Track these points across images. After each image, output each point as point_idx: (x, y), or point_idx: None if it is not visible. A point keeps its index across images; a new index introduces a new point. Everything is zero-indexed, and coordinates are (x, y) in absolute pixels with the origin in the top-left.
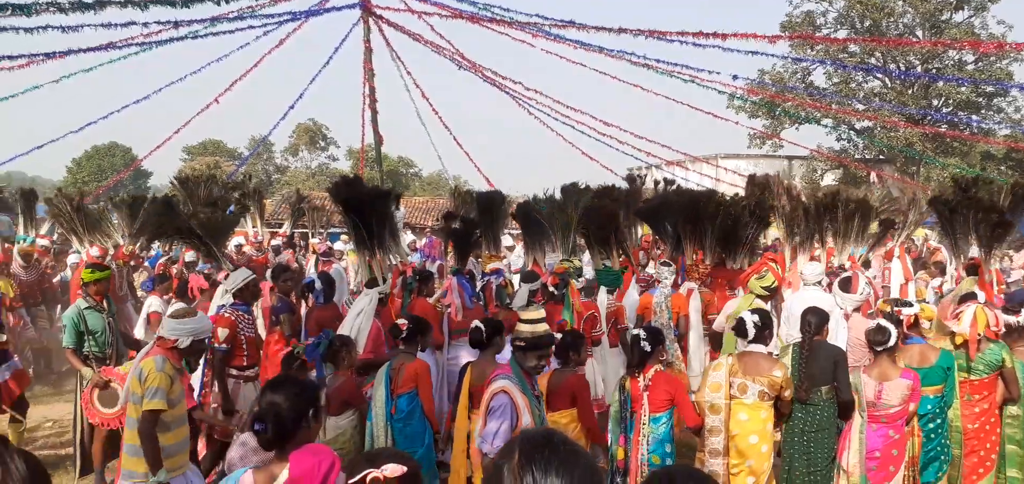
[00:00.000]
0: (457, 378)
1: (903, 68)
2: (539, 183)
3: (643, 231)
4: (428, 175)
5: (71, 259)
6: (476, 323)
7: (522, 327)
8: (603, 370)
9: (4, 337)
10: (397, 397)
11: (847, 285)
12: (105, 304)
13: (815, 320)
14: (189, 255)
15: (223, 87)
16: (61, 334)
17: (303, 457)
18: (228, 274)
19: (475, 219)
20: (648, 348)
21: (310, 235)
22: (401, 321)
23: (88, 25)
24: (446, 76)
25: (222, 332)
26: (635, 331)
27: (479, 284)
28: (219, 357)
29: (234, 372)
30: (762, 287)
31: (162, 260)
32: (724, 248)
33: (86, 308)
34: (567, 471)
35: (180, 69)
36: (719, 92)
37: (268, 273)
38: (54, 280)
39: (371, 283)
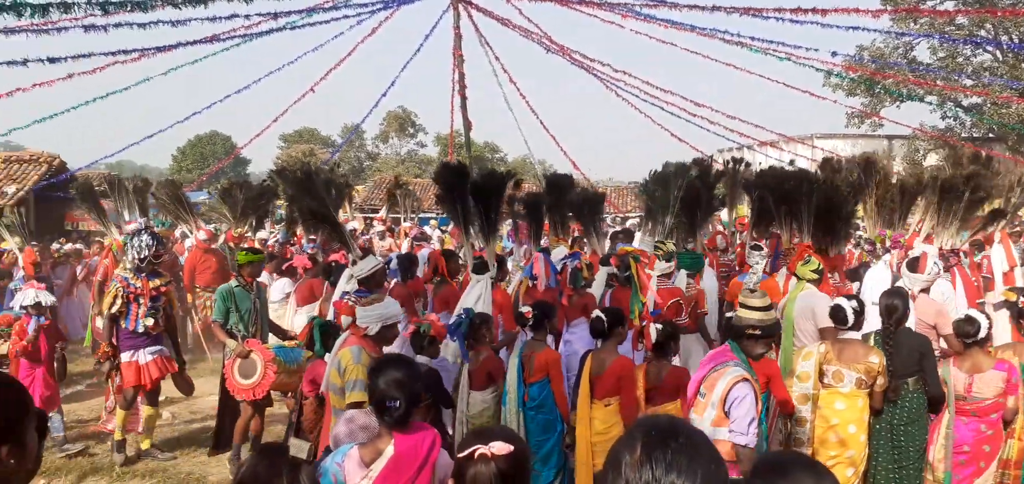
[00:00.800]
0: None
1: (1017, 40)
2: (627, 166)
3: (738, 213)
4: (513, 160)
5: (188, 242)
6: (597, 313)
7: (751, 314)
8: (685, 356)
9: (151, 321)
10: (529, 385)
11: (915, 265)
12: (254, 286)
13: (901, 304)
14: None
15: (317, 76)
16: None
17: (407, 434)
18: (338, 257)
19: (542, 196)
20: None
21: (402, 219)
22: (526, 308)
23: (195, 19)
24: (533, 60)
25: (346, 320)
26: (729, 314)
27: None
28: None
29: None
30: (810, 271)
31: (271, 242)
32: (824, 232)
33: (236, 287)
34: (691, 471)
35: (275, 59)
36: (817, 69)
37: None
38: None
39: (480, 268)
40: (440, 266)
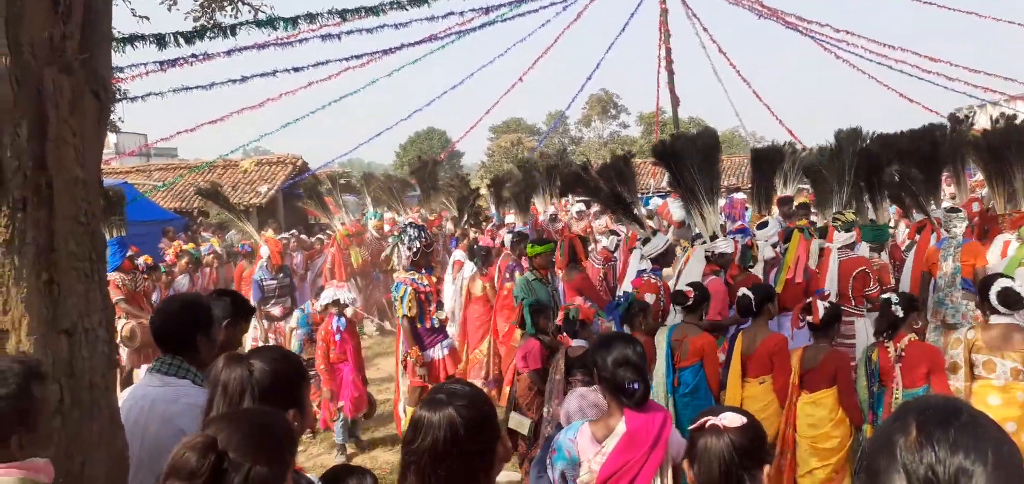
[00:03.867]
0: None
1: None
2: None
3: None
4: (722, 133)
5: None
6: (743, 291)
7: None
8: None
9: (445, 315)
10: (680, 370)
11: None
12: (549, 277)
13: None
14: (508, 217)
15: (522, 68)
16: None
17: (639, 412)
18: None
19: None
20: (900, 313)
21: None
22: (687, 288)
23: (416, 20)
24: (744, 27)
25: (649, 297)
26: (886, 295)
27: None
28: None
29: None
30: None
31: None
32: None
33: (533, 280)
34: (979, 451)
35: (485, 54)
36: None
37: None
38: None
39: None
40: (577, 249)
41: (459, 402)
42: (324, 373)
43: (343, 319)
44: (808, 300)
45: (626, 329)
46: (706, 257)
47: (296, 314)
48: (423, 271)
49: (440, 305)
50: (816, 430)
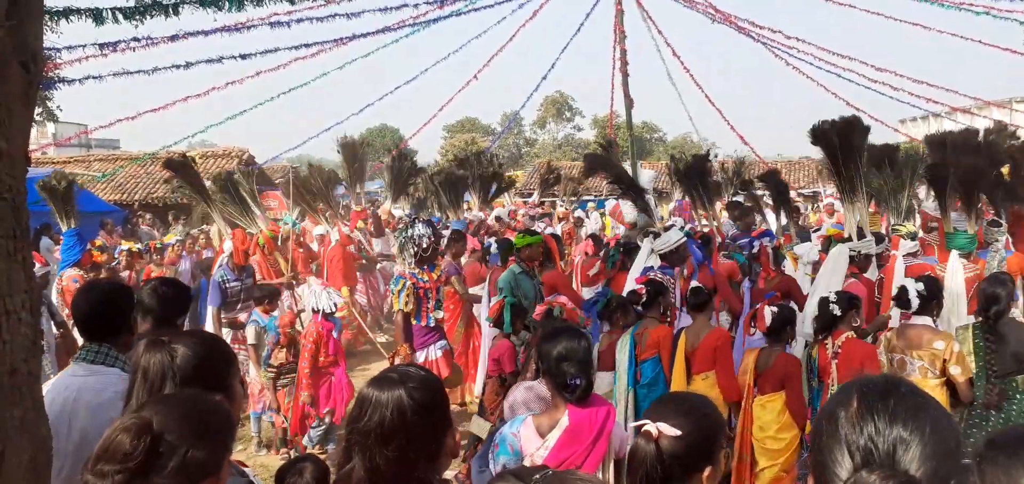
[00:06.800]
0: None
1: None
2: (798, 140)
3: None
4: (673, 139)
5: (317, 230)
6: (695, 285)
7: None
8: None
9: (441, 315)
10: (641, 363)
11: None
12: (535, 269)
13: (1004, 293)
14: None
15: (477, 66)
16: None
17: (580, 407)
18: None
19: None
20: (838, 312)
21: (557, 204)
22: (640, 287)
23: (368, 10)
24: (697, 31)
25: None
26: (824, 293)
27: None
28: None
29: None
30: None
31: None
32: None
33: (520, 273)
34: (916, 422)
35: (439, 51)
36: (1021, 23)
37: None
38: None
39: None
40: (551, 248)
41: (411, 383)
42: (308, 378)
43: (341, 324)
44: (756, 307)
45: (606, 326)
46: (850, 257)
47: (251, 328)
48: (425, 268)
49: (438, 304)
50: (763, 432)
